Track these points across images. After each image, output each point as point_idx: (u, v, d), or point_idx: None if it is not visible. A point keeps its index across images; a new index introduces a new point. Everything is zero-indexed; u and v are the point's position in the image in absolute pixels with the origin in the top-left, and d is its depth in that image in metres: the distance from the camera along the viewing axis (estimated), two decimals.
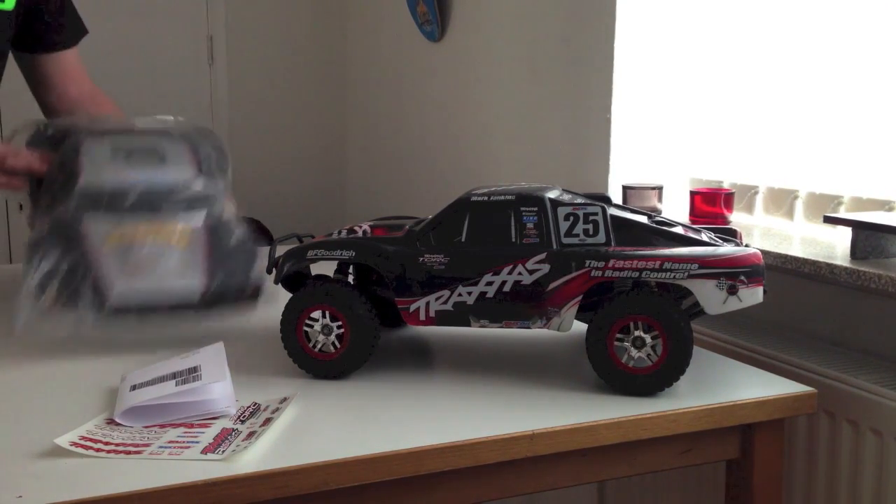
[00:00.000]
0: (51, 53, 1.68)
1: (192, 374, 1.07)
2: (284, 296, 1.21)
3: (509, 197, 1.14)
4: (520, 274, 1.12)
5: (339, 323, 1.16)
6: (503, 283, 1.12)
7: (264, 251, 1.35)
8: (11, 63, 1.72)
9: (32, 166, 1.33)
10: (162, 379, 1.07)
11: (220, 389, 1.05)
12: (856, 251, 1.41)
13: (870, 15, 1.60)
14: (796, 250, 1.50)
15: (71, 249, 1.27)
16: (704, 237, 1.18)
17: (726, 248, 1.10)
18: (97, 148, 1.33)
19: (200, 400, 1.03)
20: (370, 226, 1.24)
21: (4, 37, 1.61)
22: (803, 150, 1.74)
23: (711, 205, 1.75)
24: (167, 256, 1.33)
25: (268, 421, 1.01)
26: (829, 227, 1.59)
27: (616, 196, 1.88)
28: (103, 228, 1.33)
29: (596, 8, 1.99)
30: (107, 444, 0.96)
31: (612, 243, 1.12)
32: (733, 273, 1.07)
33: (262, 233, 1.45)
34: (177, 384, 1.05)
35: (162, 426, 1.01)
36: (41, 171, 1.31)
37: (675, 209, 1.90)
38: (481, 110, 2.49)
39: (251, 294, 1.32)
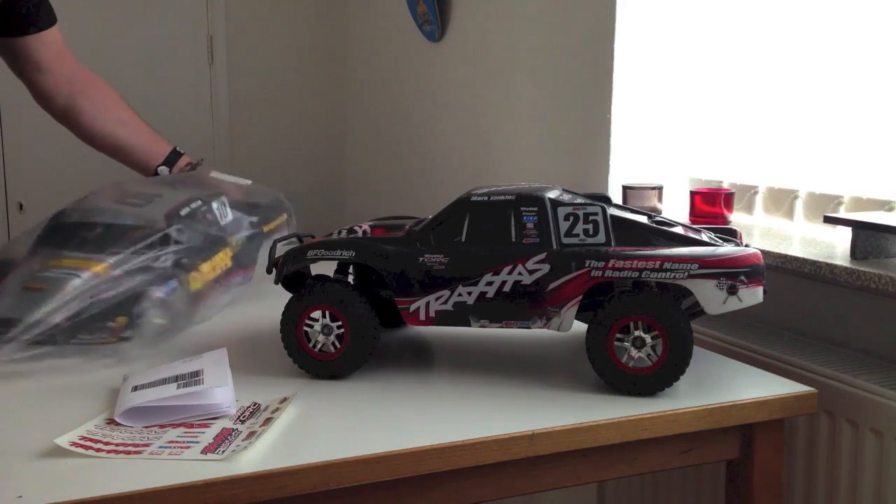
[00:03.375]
0: (39, 34, 1.63)
1: (194, 377, 1.07)
2: (284, 296, 1.21)
3: (509, 197, 1.14)
4: (520, 274, 1.12)
5: (339, 323, 1.16)
6: (503, 283, 1.12)
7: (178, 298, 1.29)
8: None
9: None
10: (164, 381, 1.07)
11: (221, 394, 1.05)
12: (856, 251, 1.41)
13: (869, 15, 1.60)
14: (796, 250, 1.50)
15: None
16: (704, 237, 1.18)
17: (726, 248, 1.10)
18: None
19: (201, 403, 1.03)
20: (370, 226, 1.24)
21: None
22: (803, 150, 1.74)
23: (711, 205, 1.74)
24: (64, 283, 1.25)
25: (268, 421, 1.01)
26: (829, 227, 1.58)
27: (616, 196, 1.88)
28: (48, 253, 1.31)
29: (596, 8, 1.99)
30: (107, 444, 0.96)
31: (612, 243, 1.12)
32: (733, 273, 1.07)
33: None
34: (178, 387, 1.05)
35: (162, 426, 1.01)
36: None
37: (675, 209, 1.90)
38: (481, 110, 2.48)
39: (117, 335, 1.23)
